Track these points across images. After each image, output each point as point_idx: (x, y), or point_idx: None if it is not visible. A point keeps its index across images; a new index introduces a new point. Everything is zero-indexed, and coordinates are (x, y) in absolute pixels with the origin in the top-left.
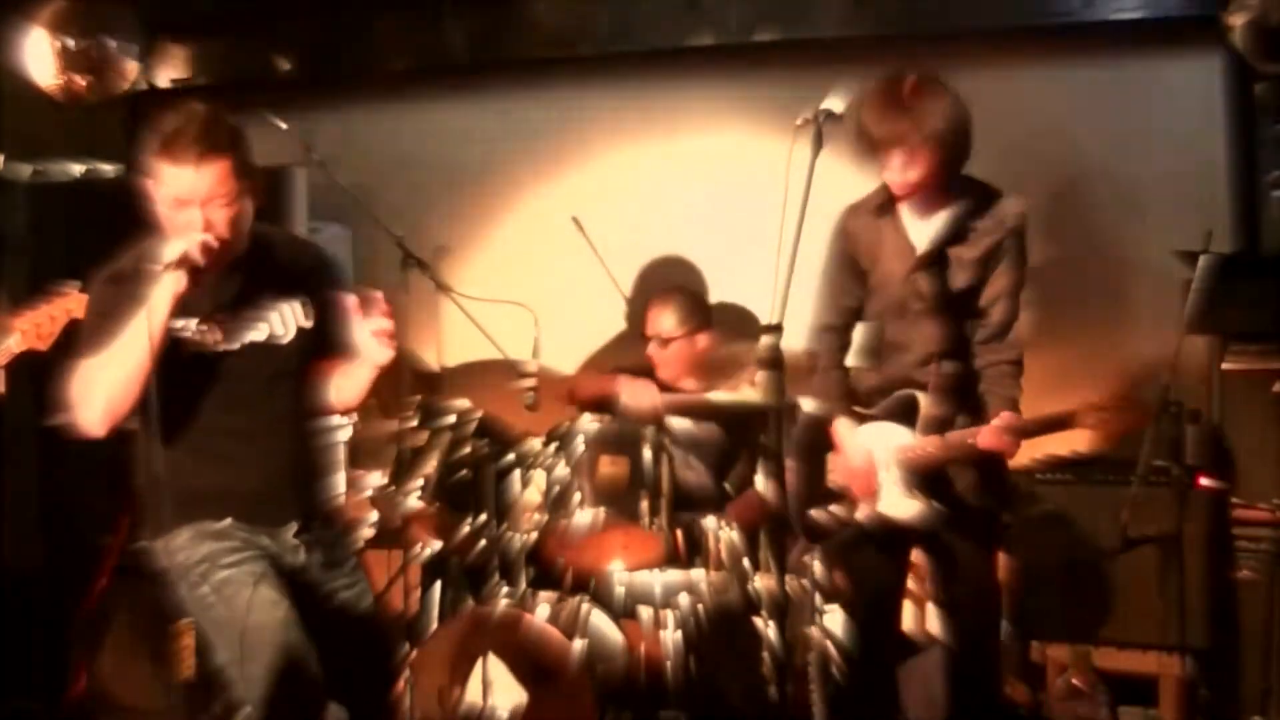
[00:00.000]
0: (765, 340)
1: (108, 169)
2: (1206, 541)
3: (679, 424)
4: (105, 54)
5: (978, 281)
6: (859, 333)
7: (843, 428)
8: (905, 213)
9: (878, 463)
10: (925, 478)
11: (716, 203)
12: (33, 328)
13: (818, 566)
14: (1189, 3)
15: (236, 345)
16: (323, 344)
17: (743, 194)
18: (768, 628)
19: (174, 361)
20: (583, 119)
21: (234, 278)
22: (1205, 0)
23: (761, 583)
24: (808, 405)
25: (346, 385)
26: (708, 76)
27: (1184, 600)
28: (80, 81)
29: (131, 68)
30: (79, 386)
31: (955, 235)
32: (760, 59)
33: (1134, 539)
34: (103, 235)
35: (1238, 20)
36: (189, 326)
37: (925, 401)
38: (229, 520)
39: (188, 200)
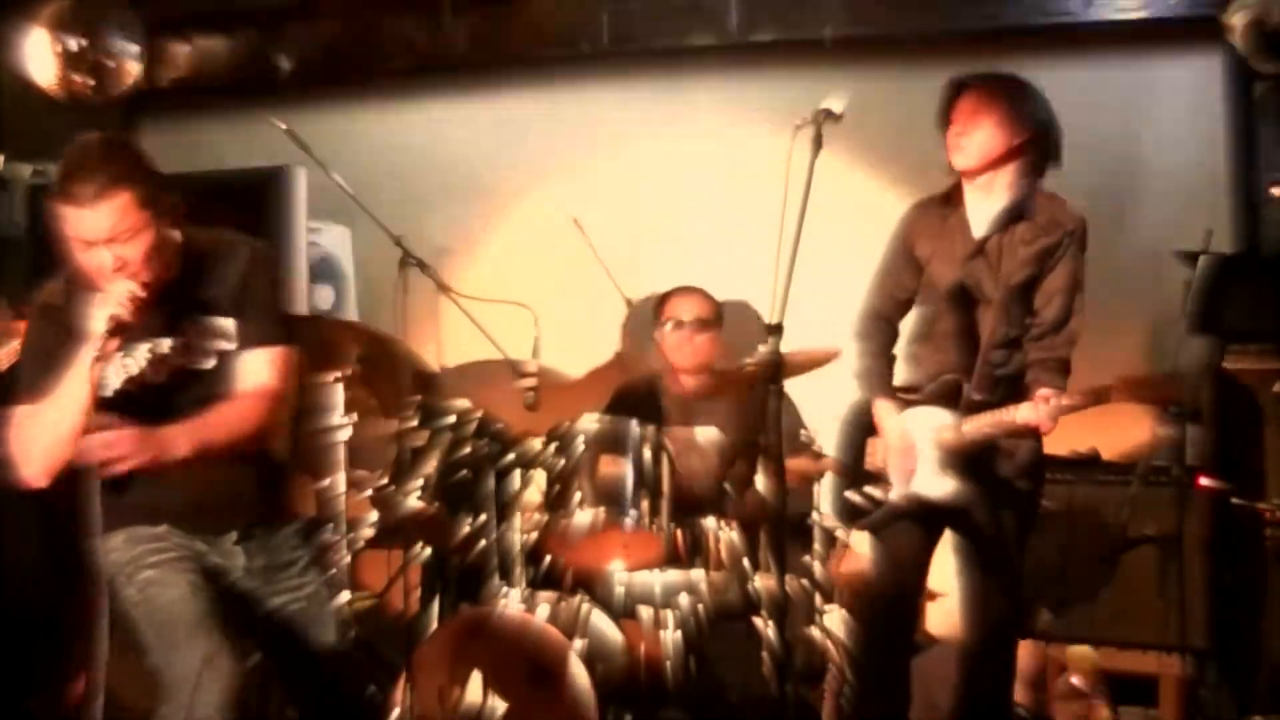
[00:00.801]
0: (765, 340)
1: None
2: (1206, 541)
3: (678, 431)
4: (105, 54)
5: (1031, 278)
6: (911, 319)
7: (883, 411)
8: (969, 200)
9: (916, 445)
10: (961, 458)
11: (716, 203)
12: None
13: (818, 567)
14: (1189, 3)
15: (168, 376)
16: (249, 338)
17: (743, 195)
18: (768, 628)
19: (111, 398)
20: (583, 119)
21: (164, 307)
22: (1205, 0)
23: (761, 583)
24: (853, 390)
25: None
26: (708, 76)
27: (1184, 600)
28: (80, 81)
29: (131, 68)
30: (17, 440)
31: (1013, 220)
32: (760, 59)
33: (1134, 539)
34: None
35: (1238, 20)
36: (124, 364)
37: (969, 387)
38: (164, 526)
39: (92, 241)
